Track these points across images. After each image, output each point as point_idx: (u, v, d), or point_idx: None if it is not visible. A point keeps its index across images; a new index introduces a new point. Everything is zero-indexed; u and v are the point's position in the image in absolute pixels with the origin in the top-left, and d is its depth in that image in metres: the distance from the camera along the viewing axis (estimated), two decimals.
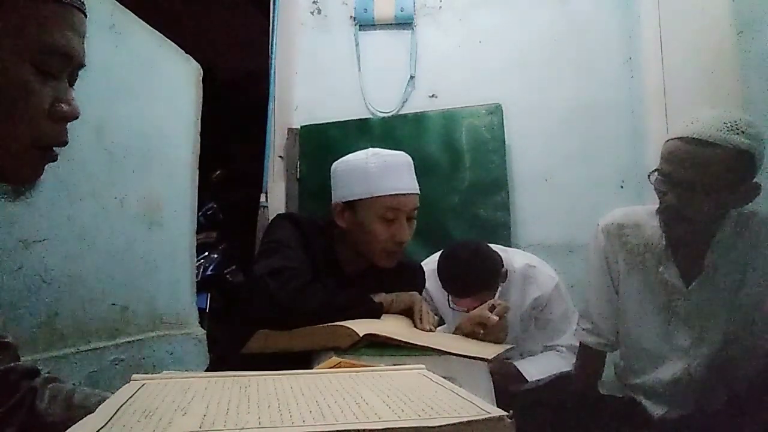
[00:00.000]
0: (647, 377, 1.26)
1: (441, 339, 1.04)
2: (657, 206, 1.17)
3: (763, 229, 1.13)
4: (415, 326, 1.11)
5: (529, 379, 1.61)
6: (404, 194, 1.16)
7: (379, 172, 1.15)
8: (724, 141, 1.00)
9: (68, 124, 0.59)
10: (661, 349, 1.23)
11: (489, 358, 0.93)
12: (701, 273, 1.15)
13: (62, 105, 0.56)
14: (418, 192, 1.21)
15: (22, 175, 0.57)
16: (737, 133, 1.00)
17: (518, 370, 1.64)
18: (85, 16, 0.59)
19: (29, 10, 0.53)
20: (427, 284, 1.47)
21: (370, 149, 1.21)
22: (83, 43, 0.59)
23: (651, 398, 1.25)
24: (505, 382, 1.60)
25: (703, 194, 1.04)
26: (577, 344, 1.43)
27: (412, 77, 2.76)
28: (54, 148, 0.58)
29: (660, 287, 1.22)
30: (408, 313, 1.15)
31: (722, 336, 1.16)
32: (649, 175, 1.13)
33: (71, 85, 0.60)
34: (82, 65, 0.60)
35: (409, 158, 1.22)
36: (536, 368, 1.63)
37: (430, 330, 1.10)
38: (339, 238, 1.24)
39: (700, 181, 1.03)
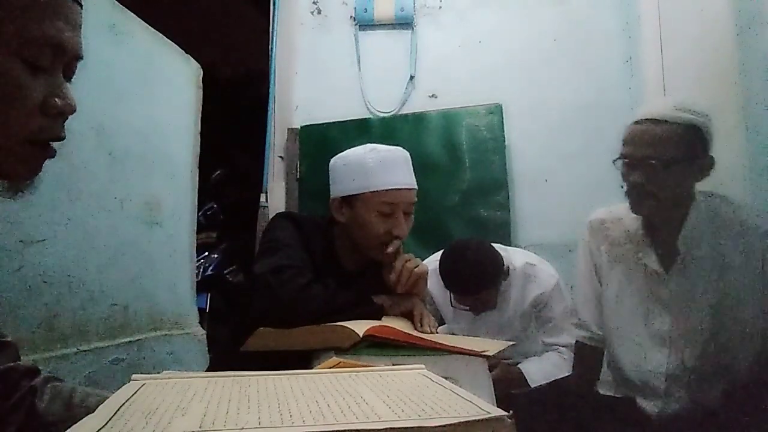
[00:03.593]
0: (635, 368, 1.27)
1: (441, 337, 1.04)
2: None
3: (735, 216, 1.17)
4: (416, 329, 1.11)
5: (531, 385, 1.61)
6: (401, 189, 1.17)
7: (377, 167, 1.16)
8: (674, 118, 1.12)
9: (68, 122, 0.57)
10: (645, 338, 1.25)
11: (490, 354, 0.93)
12: (678, 257, 1.20)
13: (56, 99, 0.54)
14: (416, 187, 1.21)
15: (18, 171, 0.56)
16: (685, 112, 1.13)
17: (522, 374, 1.64)
18: (80, 5, 0.57)
19: (16, 1, 0.51)
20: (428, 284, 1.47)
21: (368, 145, 1.21)
22: (79, 35, 0.57)
23: (642, 390, 1.25)
24: (510, 387, 1.60)
25: (662, 168, 1.13)
26: None
27: (412, 77, 2.76)
28: (53, 145, 0.57)
29: (641, 275, 1.26)
30: (408, 316, 1.15)
31: (709, 324, 1.17)
32: (614, 162, 1.21)
33: (69, 78, 0.58)
34: (78, 57, 0.57)
35: (407, 153, 1.22)
36: (540, 374, 1.63)
37: (431, 333, 1.10)
38: (338, 235, 1.25)
39: (659, 156, 1.13)
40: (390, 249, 1.16)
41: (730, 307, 1.15)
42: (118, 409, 0.40)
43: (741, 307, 1.14)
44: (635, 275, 1.27)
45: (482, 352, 0.93)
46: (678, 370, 1.20)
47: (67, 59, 0.56)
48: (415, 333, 1.06)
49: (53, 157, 0.57)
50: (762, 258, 1.13)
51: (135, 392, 0.46)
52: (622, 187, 1.23)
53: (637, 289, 1.27)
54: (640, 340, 1.25)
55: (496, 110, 2.55)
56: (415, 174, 1.22)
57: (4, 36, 0.50)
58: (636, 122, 1.18)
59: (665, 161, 1.13)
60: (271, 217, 2.50)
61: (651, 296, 1.25)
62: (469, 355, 0.92)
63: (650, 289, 1.25)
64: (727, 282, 1.15)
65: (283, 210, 2.64)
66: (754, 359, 1.14)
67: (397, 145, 1.23)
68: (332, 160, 1.24)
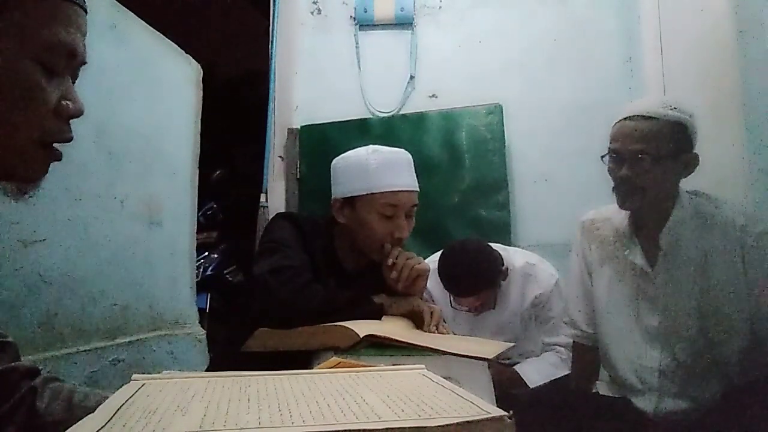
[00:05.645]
0: (629, 365, 1.27)
1: (441, 339, 1.04)
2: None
3: (718, 213, 1.18)
4: (424, 329, 1.11)
5: (530, 386, 1.61)
6: (403, 191, 1.17)
7: (379, 168, 1.16)
8: (661, 115, 1.15)
9: (69, 122, 0.59)
10: (637, 335, 1.26)
11: (489, 357, 0.93)
12: (661, 253, 1.21)
13: (68, 102, 0.57)
14: (418, 189, 1.21)
15: (30, 173, 0.58)
16: (672, 109, 1.16)
17: (520, 376, 1.63)
18: (86, 12, 0.59)
19: (34, 8, 0.53)
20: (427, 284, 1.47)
21: (371, 146, 1.21)
22: (84, 41, 0.59)
23: (636, 387, 1.26)
24: (507, 388, 1.60)
25: (650, 162, 1.16)
26: None
27: (412, 77, 2.76)
28: (59, 147, 0.59)
29: (629, 272, 1.27)
30: (409, 317, 1.15)
31: (696, 320, 1.18)
32: (602, 158, 1.24)
33: (73, 82, 0.60)
34: (83, 62, 0.60)
35: (409, 156, 1.22)
36: (538, 374, 1.63)
37: (438, 331, 1.10)
38: (339, 235, 1.25)
39: (647, 151, 1.15)
40: (390, 261, 1.16)
41: (715, 303, 1.16)
42: (118, 409, 0.40)
43: (726, 303, 1.15)
44: (624, 273, 1.28)
45: (481, 356, 0.92)
46: (671, 366, 1.21)
47: (75, 64, 0.59)
48: (413, 333, 1.06)
49: (60, 160, 0.59)
50: (743, 255, 1.14)
51: (135, 392, 0.46)
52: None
53: (626, 286, 1.28)
54: (632, 337, 1.26)
55: (496, 110, 2.55)
56: (415, 173, 1.22)
57: (26, 41, 0.53)
58: (624, 119, 1.20)
59: (654, 156, 1.15)
60: (271, 217, 2.50)
61: (639, 293, 1.26)
62: (468, 358, 0.92)
63: (638, 286, 1.26)
64: (711, 278, 1.17)
65: (283, 210, 2.64)
66: (744, 355, 1.15)
67: (397, 146, 1.23)
68: (334, 161, 1.24)
